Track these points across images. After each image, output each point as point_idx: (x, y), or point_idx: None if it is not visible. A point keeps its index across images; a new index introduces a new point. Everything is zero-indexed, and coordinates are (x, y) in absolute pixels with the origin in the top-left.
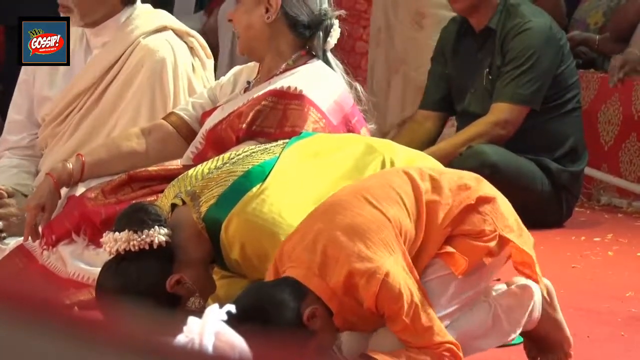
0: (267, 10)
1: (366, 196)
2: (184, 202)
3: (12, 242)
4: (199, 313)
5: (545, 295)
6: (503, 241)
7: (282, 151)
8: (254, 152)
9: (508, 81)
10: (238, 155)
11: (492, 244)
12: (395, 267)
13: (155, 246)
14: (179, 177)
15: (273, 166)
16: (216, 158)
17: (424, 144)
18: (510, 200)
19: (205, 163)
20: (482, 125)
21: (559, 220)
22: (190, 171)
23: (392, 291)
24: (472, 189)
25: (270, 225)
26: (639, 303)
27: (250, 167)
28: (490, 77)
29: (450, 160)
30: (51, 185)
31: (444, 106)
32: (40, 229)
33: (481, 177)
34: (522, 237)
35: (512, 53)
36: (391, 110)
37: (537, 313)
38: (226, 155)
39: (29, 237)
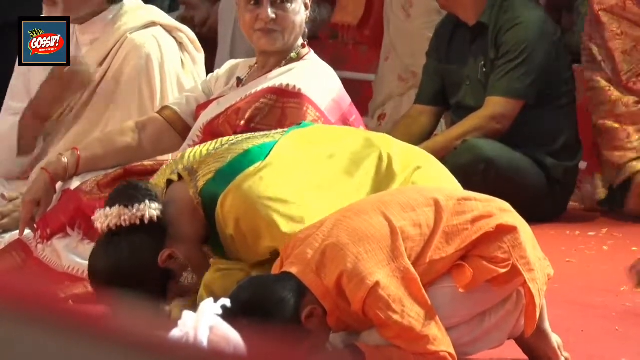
0: (306, 8)
1: (382, 209)
2: (180, 178)
3: (8, 236)
4: (189, 292)
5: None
6: (515, 272)
7: (281, 137)
8: (254, 136)
9: (502, 75)
10: (238, 138)
11: (503, 271)
12: (388, 278)
13: (146, 221)
14: (177, 156)
15: (272, 148)
16: (215, 140)
17: (418, 139)
18: (504, 195)
19: (204, 144)
20: (477, 119)
21: (554, 215)
22: (188, 150)
23: (380, 301)
24: (493, 217)
25: (267, 208)
26: (633, 297)
27: (249, 146)
28: (484, 70)
29: (446, 155)
30: (47, 180)
31: (439, 101)
32: (35, 223)
33: (508, 207)
34: (535, 273)
35: (505, 47)
36: (379, 95)
37: (523, 320)
38: (225, 138)
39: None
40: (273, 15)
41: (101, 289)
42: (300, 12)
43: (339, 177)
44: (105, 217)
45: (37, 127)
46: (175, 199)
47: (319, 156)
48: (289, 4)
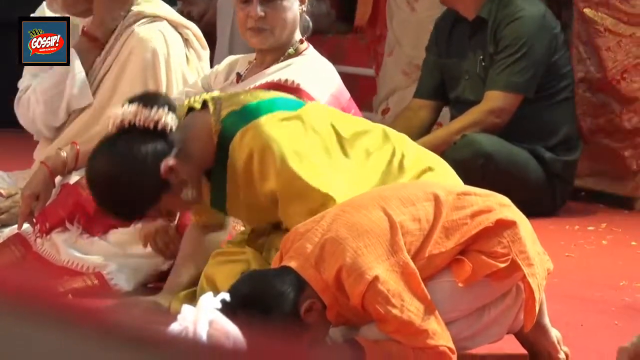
0: (300, 3)
1: (382, 204)
2: (203, 108)
3: (7, 230)
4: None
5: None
6: (515, 266)
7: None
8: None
9: (501, 69)
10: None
11: (503, 265)
12: (387, 272)
13: (159, 127)
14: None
15: (301, 106)
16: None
17: (418, 133)
18: (503, 190)
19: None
20: (477, 113)
21: (553, 209)
22: (217, 92)
23: (379, 295)
24: (493, 212)
25: (283, 151)
26: (632, 292)
27: (281, 96)
28: (483, 64)
29: (445, 149)
30: (46, 174)
31: (438, 95)
32: (34, 217)
33: (508, 201)
34: (534, 267)
35: (504, 41)
36: (383, 90)
37: (522, 314)
38: None
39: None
40: (262, 13)
41: (96, 187)
42: (292, 9)
43: (351, 160)
44: (121, 114)
45: (92, 49)
46: (193, 122)
47: (339, 134)
48: (279, 1)
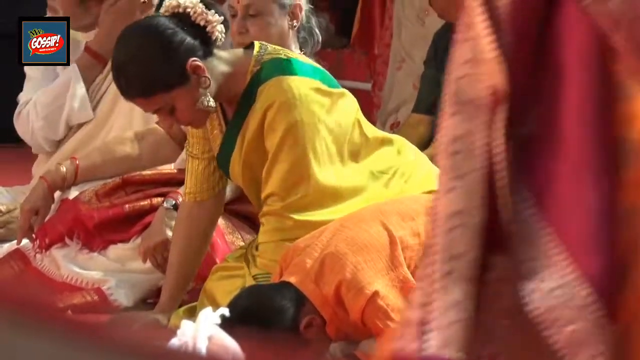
0: (291, 18)
1: (382, 219)
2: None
3: (6, 246)
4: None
5: None
6: None
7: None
8: None
9: None
10: None
11: None
12: (387, 287)
13: (208, 29)
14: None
15: (339, 88)
16: None
17: (418, 148)
18: None
19: None
20: None
21: None
22: None
23: (379, 310)
24: None
25: (302, 115)
26: None
27: (323, 70)
28: None
29: None
30: (45, 189)
31: (437, 109)
32: (33, 232)
33: None
34: None
35: None
36: (390, 104)
37: None
38: None
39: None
40: (242, 30)
41: (122, 43)
42: (276, 25)
43: (359, 163)
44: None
45: (95, 66)
46: (235, 53)
47: (362, 131)
48: (261, 17)
